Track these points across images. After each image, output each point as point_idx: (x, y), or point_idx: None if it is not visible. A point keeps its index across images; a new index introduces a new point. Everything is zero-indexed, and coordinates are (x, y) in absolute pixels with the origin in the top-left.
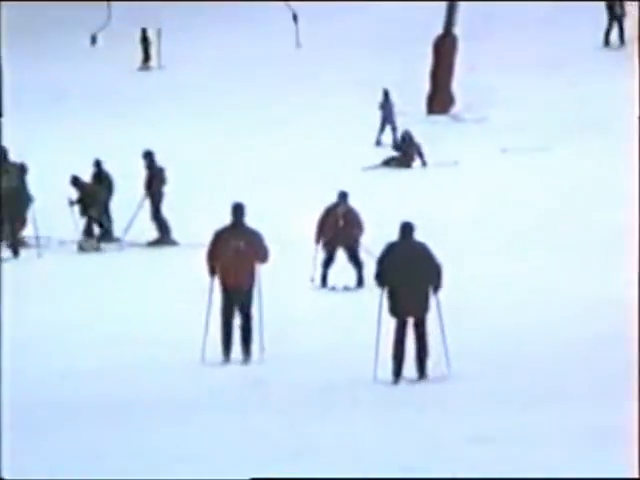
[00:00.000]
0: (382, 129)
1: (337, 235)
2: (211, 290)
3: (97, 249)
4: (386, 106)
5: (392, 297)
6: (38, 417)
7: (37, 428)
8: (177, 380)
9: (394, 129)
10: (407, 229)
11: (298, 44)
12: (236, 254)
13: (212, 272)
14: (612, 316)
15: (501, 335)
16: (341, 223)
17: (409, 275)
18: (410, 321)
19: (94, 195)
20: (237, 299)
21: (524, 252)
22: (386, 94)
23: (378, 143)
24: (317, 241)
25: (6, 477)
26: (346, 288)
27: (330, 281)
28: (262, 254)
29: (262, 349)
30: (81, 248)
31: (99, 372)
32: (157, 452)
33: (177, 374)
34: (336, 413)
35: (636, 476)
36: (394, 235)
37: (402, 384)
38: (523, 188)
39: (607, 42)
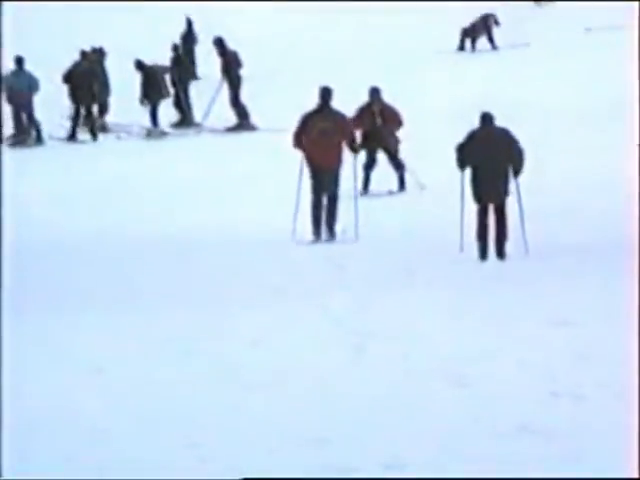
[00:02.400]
0: None
1: (375, 135)
2: (301, 171)
3: (162, 135)
4: None
5: (474, 183)
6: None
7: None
8: (262, 260)
9: None
10: (487, 119)
11: None
12: (321, 135)
13: (302, 152)
14: None
15: (579, 215)
16: (379, 121)
17: (489, 161)
18: (491, 206)
19: (156, 76)
20: (324, 179)
21: (604, 129)
22: None
23: None
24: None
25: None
26: (390, 192)
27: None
28: (347, 136)
29: (354, 229)
30: (148, 134)
31: (177, 254)
32: (230, 333)
33: (264, 253)
34: (414, 294)
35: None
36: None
37: (483, 264)
38: (607, 66)
39: None
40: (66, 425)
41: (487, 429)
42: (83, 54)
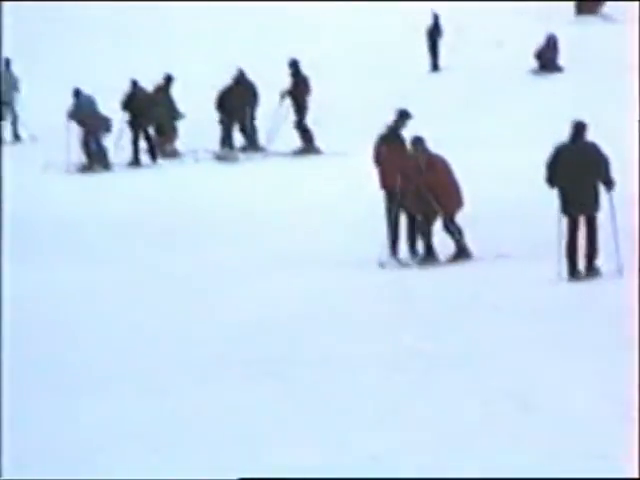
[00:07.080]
0: None
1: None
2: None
3: (235, 159)
4: None
5: (563, 197)
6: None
7: None
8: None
9: None
10: (579, 128)
11: None
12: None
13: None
14: None
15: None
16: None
17: (578, 175)
18: (582, 219)
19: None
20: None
21: None
22: None
23: None
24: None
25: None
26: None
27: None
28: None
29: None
30: (219, 157)
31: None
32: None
33: (350, 278)
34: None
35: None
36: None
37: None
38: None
39: None
40: None
41: None
42: (134, 83)
